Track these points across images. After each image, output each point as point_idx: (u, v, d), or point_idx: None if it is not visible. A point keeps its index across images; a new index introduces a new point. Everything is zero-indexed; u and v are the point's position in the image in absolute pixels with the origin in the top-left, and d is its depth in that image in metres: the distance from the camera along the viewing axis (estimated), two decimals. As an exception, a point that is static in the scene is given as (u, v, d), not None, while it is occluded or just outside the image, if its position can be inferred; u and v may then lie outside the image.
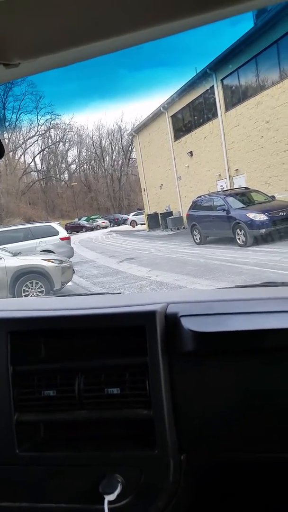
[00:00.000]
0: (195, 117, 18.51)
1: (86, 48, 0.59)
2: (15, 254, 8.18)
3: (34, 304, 1.42)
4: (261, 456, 1.02)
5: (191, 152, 18.55)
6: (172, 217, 19.20)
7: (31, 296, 7.39)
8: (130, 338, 1.01)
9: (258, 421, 0.97)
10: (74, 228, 35.24)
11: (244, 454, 1.02)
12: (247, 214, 10.33)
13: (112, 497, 0.93)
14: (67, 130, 53.93)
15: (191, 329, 0.96)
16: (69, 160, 58.09)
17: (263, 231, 9.95)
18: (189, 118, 19.10)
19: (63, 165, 57.31)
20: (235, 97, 15.33)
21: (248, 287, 1.54)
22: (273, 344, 0.95)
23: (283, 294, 1.21)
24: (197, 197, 13.44)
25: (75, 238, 26.15)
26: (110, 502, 0.93)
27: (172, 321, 1.00)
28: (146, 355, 0.98)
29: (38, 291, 7.57)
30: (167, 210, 20.89)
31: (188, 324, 0.98)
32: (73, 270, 8.32)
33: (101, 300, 1.49)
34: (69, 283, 8.15)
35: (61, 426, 1.04)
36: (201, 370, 0.99)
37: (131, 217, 30.89)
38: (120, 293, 2.02)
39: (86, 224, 37.49)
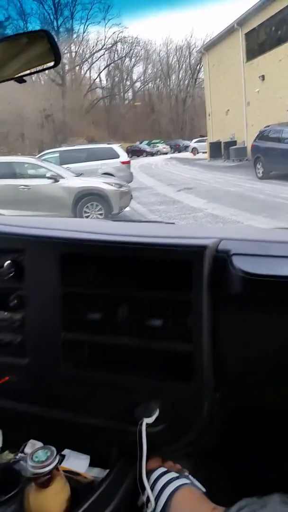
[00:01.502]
0: (272, 37, 16.73)
1: None
2: (78, 175, 8.33)
3: (90, 226, 1.41)
4: None
5: (263, 76, 17.09)
6: (235, 147, 18.37)
7: (91, 217, 7.61)
8: (178, 271, 0.96)
9: None
10: (135, 152, 34.81)
11: (278, 403, 1.00)
12: None
13: (150, 420, 0.95)
14: (134, 44, 51.17)
15: (243, 269, 0.90)
16: (134, 77, 55.70)
17: None
18: (265, 37, 17.34)
19: (128, 82, 55.22)
20: None
21: None
22: None
23: None
24: (265, 127, 12.66)
25: (135, 162, 25.97)
26: (146, 425, 0.94)
27: (223, 258, 0.94)
28: (191, 290, 0.94)
29: (98, 214, 7.77)
30: (231, 138, 19.93)
31: (239, 263, 0.92)
32: (131, 195, 8.40)
33: (154, 229, 1.41)
34: (127, 208, 8.31)
35: (104, 349, 1.04)
36: (247, 314, 0.95)
37: (192, 144, 29.84)
38: (173, 223, 2.02)
39: (147, 148, 36.81)
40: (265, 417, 1.11)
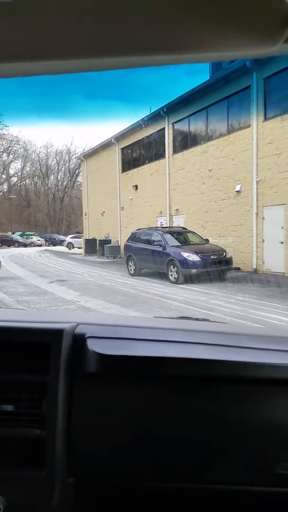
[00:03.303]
0: (144, 154, 19.12)
1: (40, 64, 0.54)
2: None
3: None
4: (154, 486, 1.02)
5: (136, 186, 19.00)
6: (110, 245, 19.28)
7: None
8: (34, 355, 0.99)
9: (153, 450, 0.97)
10: (6, 242, 33.91)
11: (137, 483, 1.01)
12: (181, 253, 10.63)
13: None
14: (14, 142, 52.81)
15: (95, 351, 0.96)
16: (11, 172, 56.64)
17: (194, 271, 10.29)
18: (138, 154, 19.68)
19: (4, 176, 55.68)
20: (184, 142, 16.12)
21: (165, 318, 1.56)
22: (173, 373, 0.97)
23: (192, 327, 1.24)
24: (136, 229, 13.63)
25: (5, 252, 25.11)
26: None
27: (79, 341, 1.01)
28: (48, 373, 0.97)
29: None
30: (106, 237, 20.96)
31: (93, 345, 0.98)
32: (-3, 284, 7.90)
33: (11, 314, 1.44)
34: (-12, 299, 7.72)
35: None
36: (102, 394, 0.98)
37: (68, 239, 30.48)
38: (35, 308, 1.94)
39: (20, 239, 36.28)
40: (127, 504, 1.11)
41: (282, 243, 11.34)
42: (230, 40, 0.47)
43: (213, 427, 0.97)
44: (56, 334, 0.99)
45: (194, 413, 0.97)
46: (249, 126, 12.41)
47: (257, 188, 12.12)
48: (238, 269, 12.17)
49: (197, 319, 1.44)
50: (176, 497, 1.08)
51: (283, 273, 11.26)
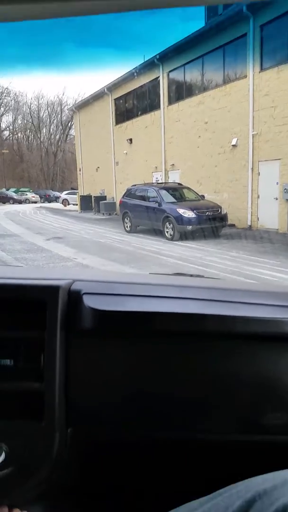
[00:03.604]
0: (138, 105, 18.53)
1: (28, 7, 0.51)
2: None
3: None
4: (149, 436, 1.06)
5: (130, 139, 18.58)
6: (105, 201, 19.17)
7: None
8: (31, 311, 1.01)
9: (147, 403, 1.01)
10: (1, 199, 33.57)
11: (133, 434, 1.06)
12: (177, 209, 10.64)
13: None
14: (4, 94, 50.74)
15: (91, 307, 0.98)
16: (2, 125, 54.83)
17: (190, 227, 10.37)
18: (132, 105, 19.05)
19: (-4, 130, 53.96)
20: (179, 93, 15.61)
21: (160, 274, 1.63)
22: (167, 327, 0.99)
23: (187, 283, 1.25)
24: (132, 185, 13.50)
25: (1, 209, 24.96)
26: None
27: (75, 298, 1.02)
28: (45, 329, 0.99)
29: None
30: (101, 193, 20.80)
31: (89, 301, 1.00)
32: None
33: (8, 271, 1.44)
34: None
35: None
36: (97, 349, 1.01)
37: (63, 195, 30.11)
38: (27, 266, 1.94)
39: (14, 195, 35.84)
40: (123, 452, 1.14)
41: (277, 199, 11.39)
42: None
43: (205, 380, 1.00)
44: (52, 291, 1.00)
45: (187, 366, 1.00)
46: (245, 76, 12.04)
47: (253, 142, 11.97)
48: (233, 225, 12.26)
49: (191, 275, 1.46)
50: (171, 446, 1.12)
51: (277, 229, 11.40)
